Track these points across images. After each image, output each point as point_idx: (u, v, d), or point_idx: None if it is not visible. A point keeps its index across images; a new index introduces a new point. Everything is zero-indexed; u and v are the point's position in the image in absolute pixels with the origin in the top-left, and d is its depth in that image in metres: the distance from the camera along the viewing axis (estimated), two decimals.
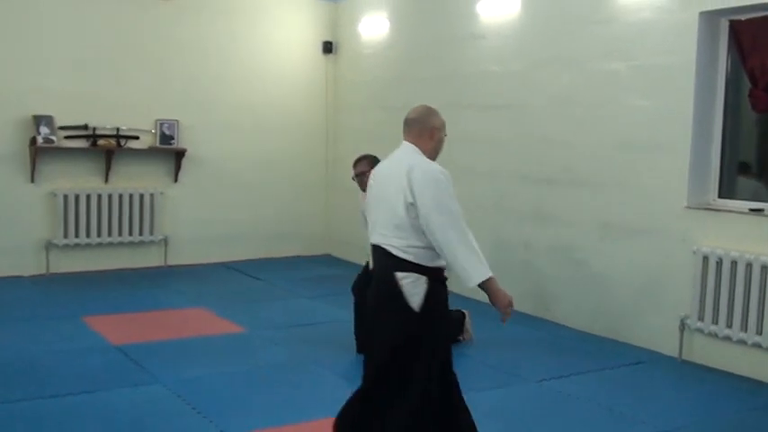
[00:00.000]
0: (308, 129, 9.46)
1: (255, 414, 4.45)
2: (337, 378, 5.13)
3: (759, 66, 5.30)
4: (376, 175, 3.64)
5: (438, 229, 3.30)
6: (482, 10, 7.32)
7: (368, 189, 3.73)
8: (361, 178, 5.67)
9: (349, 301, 5.83)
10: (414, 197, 3.33)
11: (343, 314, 6.14)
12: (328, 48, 9.41)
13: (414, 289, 3.36)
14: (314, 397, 4.77)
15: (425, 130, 3.55)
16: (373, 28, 8.84)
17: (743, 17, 5.43)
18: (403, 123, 3.60)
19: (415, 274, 3.37)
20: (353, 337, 5.69)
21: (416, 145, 3.53)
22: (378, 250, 3.49)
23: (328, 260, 9.35)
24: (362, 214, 5.91)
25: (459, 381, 3.54)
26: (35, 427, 4.18)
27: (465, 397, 3.56)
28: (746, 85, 5.46)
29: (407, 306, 3.35)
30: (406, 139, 3.57)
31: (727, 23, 5.55)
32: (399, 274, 3.37)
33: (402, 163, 3.44)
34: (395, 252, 3.39)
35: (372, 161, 5.64)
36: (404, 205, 3.35)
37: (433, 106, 3.66)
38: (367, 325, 3.66)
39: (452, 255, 3.31)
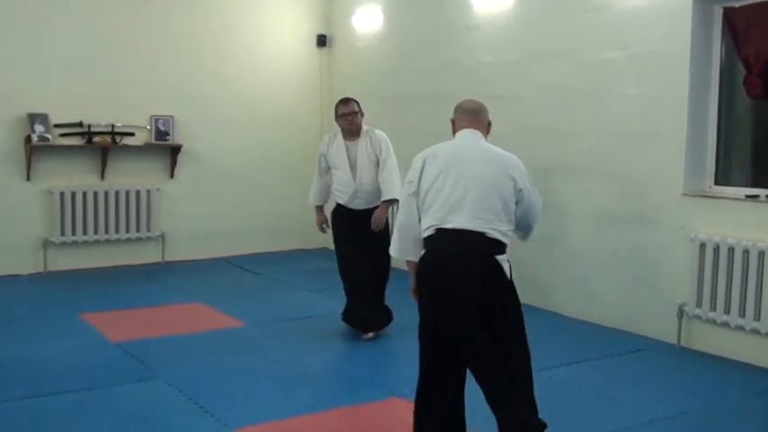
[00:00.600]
0: (303, 122, 9.44)
1: (257, 407, 4.45)
2: (338, 371, 5.14)
3: (753, 52, 5.29)
4: (444, 157, 3.54)
5: (536, 212, 3.61)
6: (476, 0, 7.31)
7: (428, 171, 3.53)
8: (353, 119, 5.76)
9: None
10: (522, 183, 3.49)
11: (341, 306, 6.13)
12: (322, 41, 9.40)
13: (506, 266, 3.48)
14: (315, 390, 4.78)
15: (485, 124, 3.73)
16: (367, 20, 8.83)
17: (736, 4, 5.43)
18: (462, 112, 3.68)
19: (504, 255, 3.49)
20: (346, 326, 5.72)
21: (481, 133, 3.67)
22: (464, 234, 3.41)
23: (326, 253, 9.34)
24: (325, 159, 5.91)
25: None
26: (36, 425, 4.18)
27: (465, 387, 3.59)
28: (741, 71, 5.46)
29: (510, 282, 3.49)
30: (471, 127, 3.63)
31: (720, 10, 5.55)
32: (499, 257, 3.45)
33: (486, 149, 3.56)
34: (497, 236, 3.44)
35: (357, 103, 5.80)
36: (513, 191, 3.48)
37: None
38: (453, 316, 3.47)
39: (531, 236, 3.71)
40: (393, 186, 5.66)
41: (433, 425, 3.57)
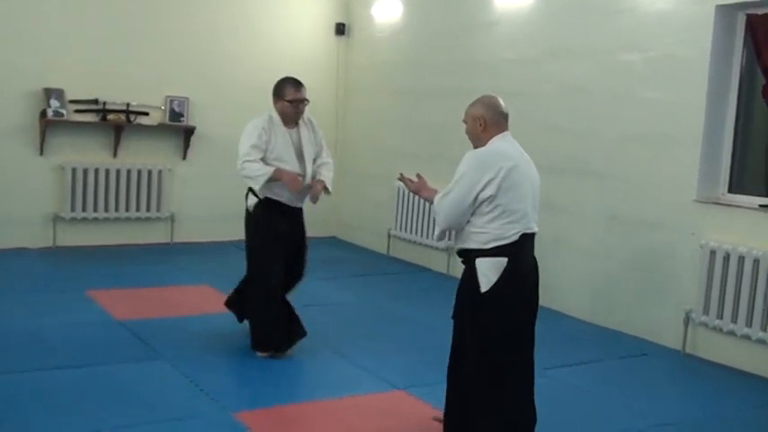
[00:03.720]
0: (317, 110, 9.30)
1: (258, 392, 4.47)
2: (340, 358, 5.14)
3: None
4: (520, 164, 3.58)
5: None
6: None
7: (510, 178, 3.49)
8: (304, 107, 5.24)
9: (355, 283, 5.82)
10: None
11: (348, 296, 6.15)
12: (341, 29, 9.37)
13: None
14: (318, 377, 4.79)
15: None
16: (386, 11, 8.79)
17: (760, 11, 5.37)
18: (502, 116, 3.68)
19: None
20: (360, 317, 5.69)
21: None
22: (532, 238, 3.66)
23: (334, 242, 9.34)
24: (261, 144, 4.95)
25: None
26: (37, 398, 4.19)
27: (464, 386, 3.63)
28: (761, 80, 5.41)
29: None
30: (507, 130, 3.69)
31: (743, 17, 5.50)
32: None
33: (526, 155, 3.69)
34: None
35: None
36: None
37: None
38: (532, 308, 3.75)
39: None
40: (331, 172, 5.28)
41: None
